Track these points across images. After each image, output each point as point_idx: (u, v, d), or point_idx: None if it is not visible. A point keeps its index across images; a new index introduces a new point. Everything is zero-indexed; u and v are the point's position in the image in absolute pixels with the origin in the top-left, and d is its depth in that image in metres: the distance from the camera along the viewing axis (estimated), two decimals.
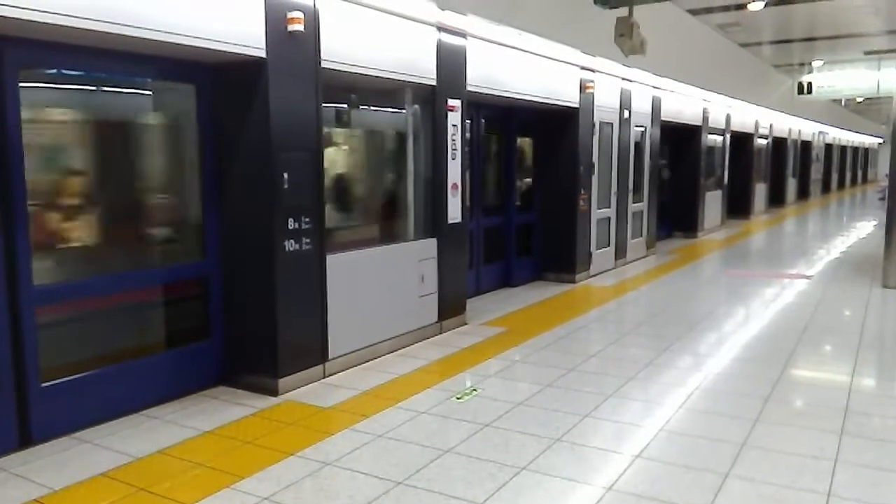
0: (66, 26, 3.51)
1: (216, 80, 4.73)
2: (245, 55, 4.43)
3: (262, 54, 4.50)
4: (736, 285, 8.97)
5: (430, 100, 6.21)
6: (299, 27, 4.65)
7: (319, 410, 4.51)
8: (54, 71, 4.15)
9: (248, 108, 4.64)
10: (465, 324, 6.77)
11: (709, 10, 10.86)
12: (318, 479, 3.52)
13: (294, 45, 4.70)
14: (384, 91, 6.12)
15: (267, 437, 4.05)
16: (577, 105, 8.77)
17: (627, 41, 7.05)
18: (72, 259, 4.37)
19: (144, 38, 3.85)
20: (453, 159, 6.48)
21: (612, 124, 9.84)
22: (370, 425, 4.22)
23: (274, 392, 4.73)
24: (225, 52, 4.31)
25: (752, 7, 10.54)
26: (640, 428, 4.18)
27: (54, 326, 4.12)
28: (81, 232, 4.40)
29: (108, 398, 4.27)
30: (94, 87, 4.43)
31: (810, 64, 16.83)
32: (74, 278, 4.31)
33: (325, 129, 5.16)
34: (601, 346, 6.08)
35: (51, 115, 4.22)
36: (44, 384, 3.95)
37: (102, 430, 4.13)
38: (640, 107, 10.78)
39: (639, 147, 10.89)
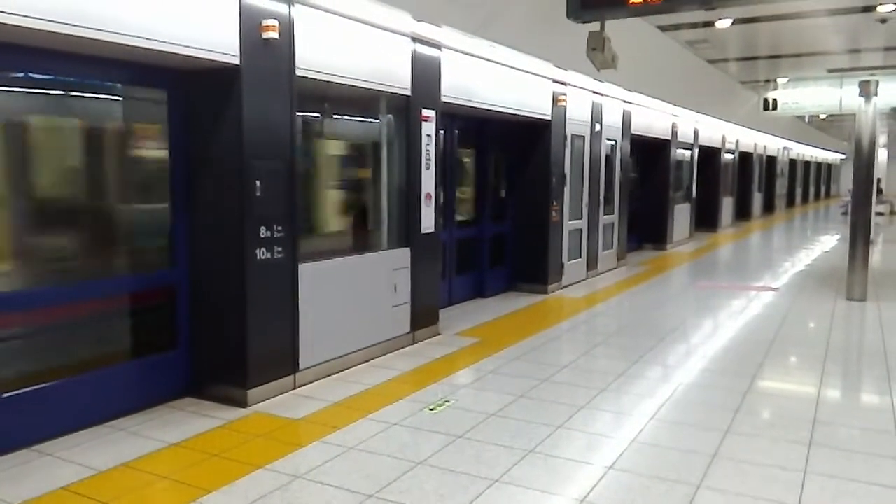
0: (22, 27, 3.37)
1: (189, 87, 4.66)
2: (219, 62, 4.38)
3: (236, 61, 4.45)
4: (704, 297, 9.09)
5: (405, 110, 6.21)
6: (274, 35, 4.62)
7: (289, 422, 4.44)
8: (20, 74, 4.04)
9: (221, 115, 4.58)
10: (438, 334, 6.74)
11: (678, 27, 11.07)
12: (287, 493, 3.46)
13: (268, 52, 4.66)
14: (359, 100, 6.10)
15: (235, 450, 3.97)
16: (549, 118, 8.84)
17: (599, 55, 7.11)
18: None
19: (111, 42, 3.75)
20: (427, 169, 6.48)
21: (583, 137, 9.94)
22: (341, 437, 4.16)
23: (243, 403, 4.65)
24: (198, 58, 4.25)
25: (719, 24, 10.80)
26: (612, 439, 4.19)
27: (17, 337, 4.00)
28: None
29: (70, 409, 4.15)
30: (62, 92, 4.32)
31: (775, 81, 17.22)
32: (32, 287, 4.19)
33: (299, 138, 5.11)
34: (573, 357, 6.09)
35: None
36: (3, 395, 3.83)
37: (65, 442, 4.01)
38: (611, 120, 10.92)
39: (609, 160, 11.02)
